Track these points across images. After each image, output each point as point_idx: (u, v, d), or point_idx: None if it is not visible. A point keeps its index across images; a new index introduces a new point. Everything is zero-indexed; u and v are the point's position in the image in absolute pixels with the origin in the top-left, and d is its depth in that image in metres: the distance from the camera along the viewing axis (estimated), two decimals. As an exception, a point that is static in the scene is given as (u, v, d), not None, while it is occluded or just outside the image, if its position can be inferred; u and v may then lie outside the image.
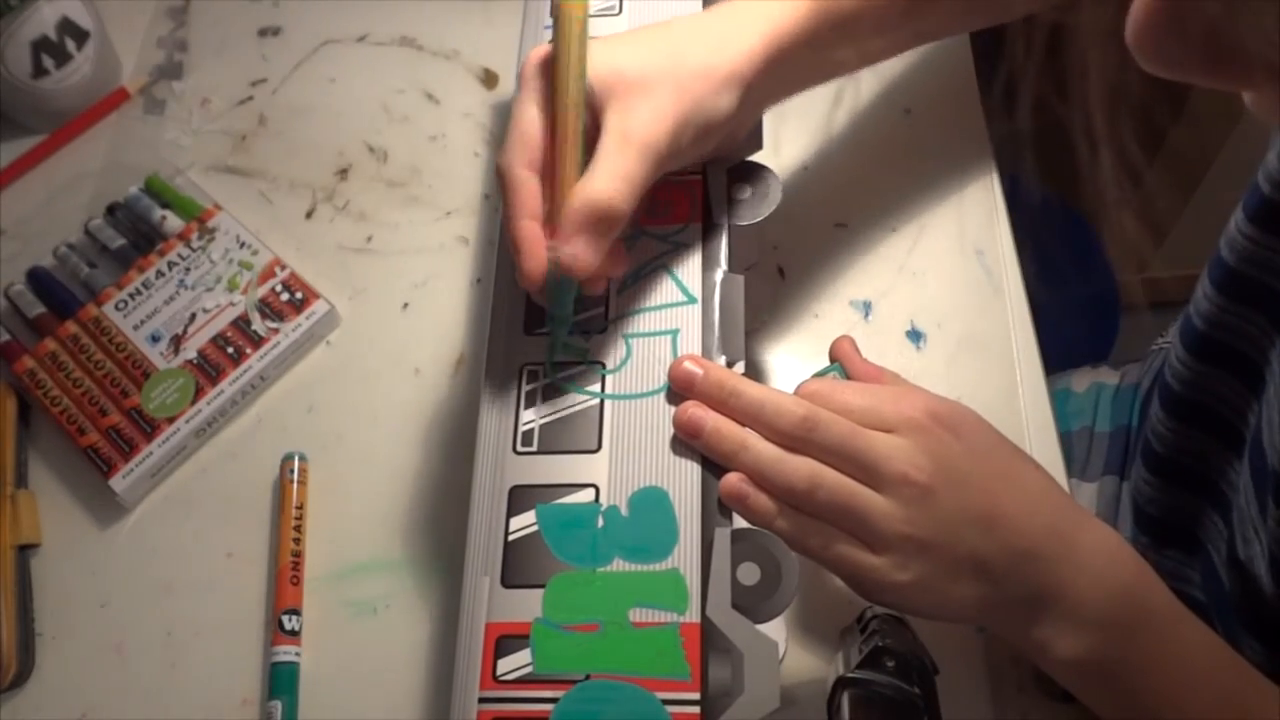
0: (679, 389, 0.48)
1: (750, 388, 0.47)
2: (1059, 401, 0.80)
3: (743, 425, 0.46)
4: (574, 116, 0.47)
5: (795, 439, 0.45)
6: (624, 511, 0.46)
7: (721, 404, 0.47)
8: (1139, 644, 0.45)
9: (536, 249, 0.47)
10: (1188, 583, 0.64)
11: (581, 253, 0.46)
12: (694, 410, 0.46)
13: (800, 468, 0.45)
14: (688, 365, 0.47)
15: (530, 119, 0.48)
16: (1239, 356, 0.60)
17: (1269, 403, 0.56)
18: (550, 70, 0.48)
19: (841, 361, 0.51)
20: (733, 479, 0.45)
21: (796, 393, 0.48)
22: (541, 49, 0.49)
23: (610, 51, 0.48)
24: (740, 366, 0.49)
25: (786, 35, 0.50)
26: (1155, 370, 0.72)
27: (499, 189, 0.49)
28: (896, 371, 0.51)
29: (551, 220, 0.47)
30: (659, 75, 0.48)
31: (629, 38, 0.50)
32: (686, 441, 0.47)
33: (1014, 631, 0.47)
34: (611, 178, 0.46)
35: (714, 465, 0.46)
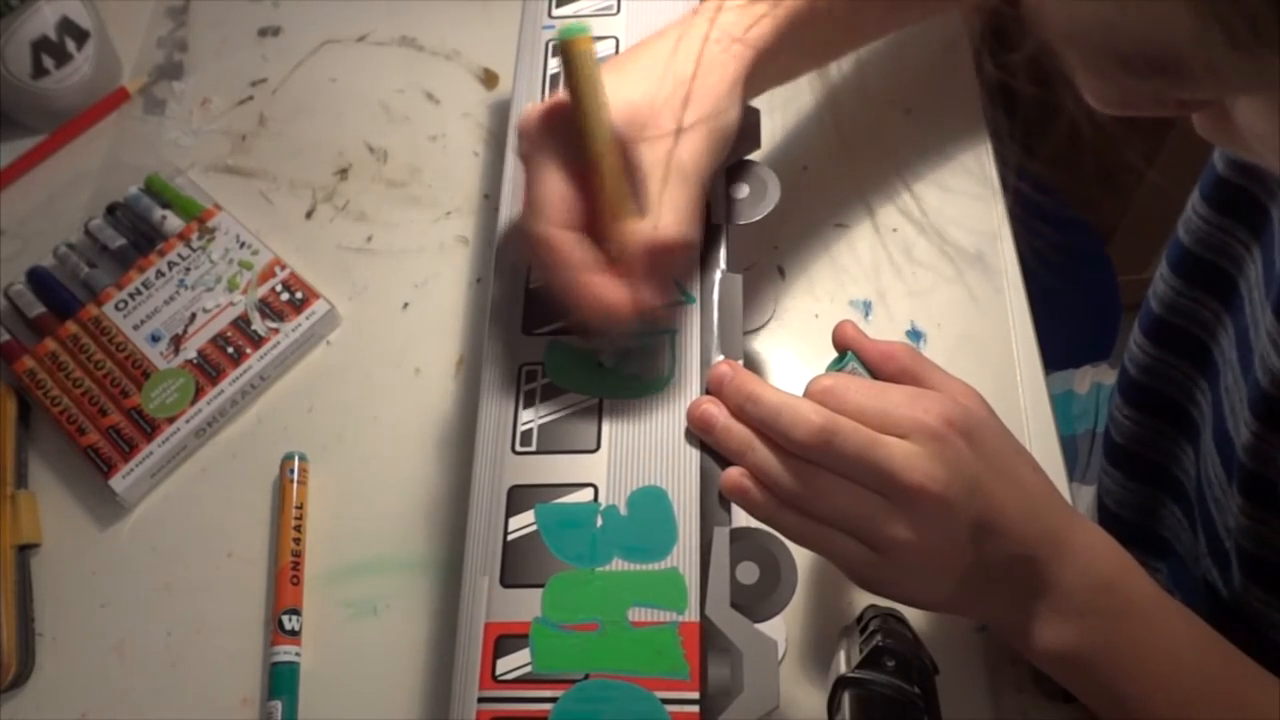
0: (711, 389, 0.47)
1: (769, 393, 0.45)
2: (1062, 404, 0.80)
3: (758, 432, 0.45)
4: (611, 154, 0.46)
5: (812, 451, 0.44)
6: (623, 511, 0.46)
7: (739, 410, 0.46)
8: (1124, 633, 0.46)
9: (620, 299, 0.46)
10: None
11: (659, 291, 0.47)
12: (708, 406, 0.46)
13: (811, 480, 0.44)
14: (722, 368, 0.47)
15: (551, 180, 0.47)
16: (1193, 340, 0.60)
17: (1228, 390, 0.55)
18: (575, 112, 0.47)
19: (851, 348, 0.48)
20: (734, 473, 0.45)
21: (809, 389, 0.46)
22: (535, 107, 0.48)
23: (616, 88, 0.48)
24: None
25: (768, 36, 0.51)
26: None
27: (533, 257, 0.48)
28: (910, 345, 0.49)
29: (612, 267, 0.46)
30: (671, 102, 0.48)
31: (623, 69, 0.49)
32: (699, 436, 0.47)
33: (999, 623, 0.47)
34: (673, 211, 0.46)
35: (713, 465, 0.46)
